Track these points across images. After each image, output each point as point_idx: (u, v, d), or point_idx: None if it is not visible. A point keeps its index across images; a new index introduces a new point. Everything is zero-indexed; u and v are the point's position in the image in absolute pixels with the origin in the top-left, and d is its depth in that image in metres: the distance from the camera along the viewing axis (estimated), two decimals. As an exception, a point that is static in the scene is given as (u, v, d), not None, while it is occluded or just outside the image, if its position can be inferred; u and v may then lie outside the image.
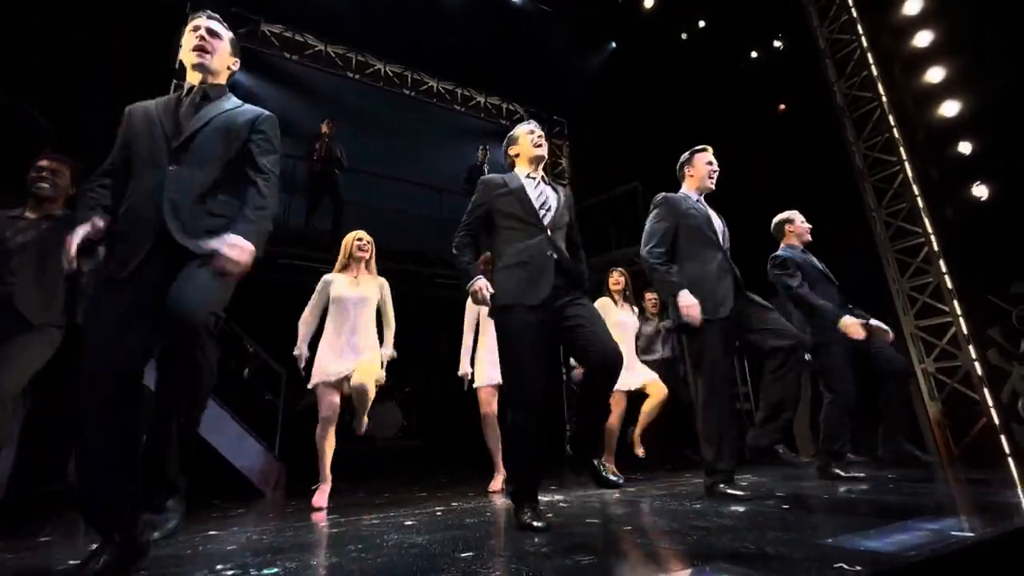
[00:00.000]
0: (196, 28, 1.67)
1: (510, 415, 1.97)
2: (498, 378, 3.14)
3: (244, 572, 1.38)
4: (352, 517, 2.38)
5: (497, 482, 3.35)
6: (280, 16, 7.11)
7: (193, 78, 1.67)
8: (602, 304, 4.01)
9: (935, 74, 5.18)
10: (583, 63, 8.53)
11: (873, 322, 3.20)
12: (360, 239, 3.28)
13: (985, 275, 4.68)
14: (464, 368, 3.56)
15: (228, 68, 1.74)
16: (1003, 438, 4.37)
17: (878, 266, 5.28)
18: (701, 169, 2.74)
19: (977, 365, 4.62)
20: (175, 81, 6.08)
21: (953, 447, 4.60)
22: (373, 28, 7.36)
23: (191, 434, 1.46)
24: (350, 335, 3.02)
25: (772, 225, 3.58)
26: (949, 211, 5.02)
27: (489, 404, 3.43)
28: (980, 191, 4.76)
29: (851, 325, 2.93)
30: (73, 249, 1.47)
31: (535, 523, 1.78)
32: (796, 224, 3.44)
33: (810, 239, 3.43)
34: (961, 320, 4.76)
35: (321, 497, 2.88)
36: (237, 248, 1.41)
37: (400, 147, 7.54)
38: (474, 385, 3.52)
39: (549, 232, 2.06)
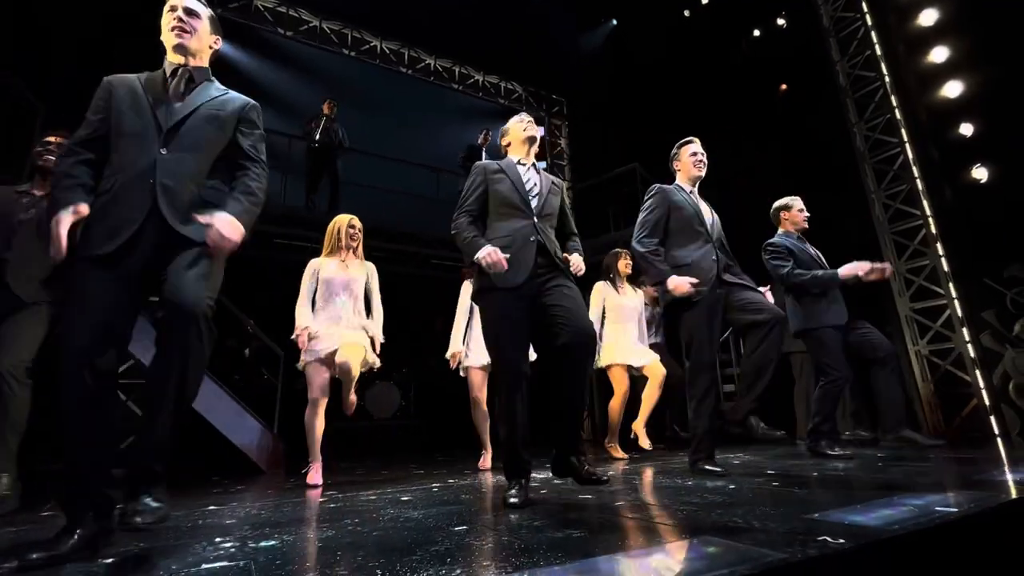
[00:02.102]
0: (173, 8, 1.63)
1: (497, 392, 2.01)
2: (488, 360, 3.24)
3: (243, 545, 1.41)
4: (350, 493, 2.42)
5: (486, 460, 3.47)
6: (274, -10, 6.96)
7: (174, 59, 1.64)
8: (599, 288, 4.04)
9: (939, 54, 5.10)
10: (583, 41, 8.39)
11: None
12: (353, 226, 3.22)
13: (981, 258, 4.69)
14: (454, 348, 3.61)
15: (210, 47, 1.71)
16: (992, 419, 4.43)
17: (876, 248, 5.28)
18: (686, 161, 2.85)
19: (970, 347, 4.65)
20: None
21: (944, 428, 4.67)
22: (369, 4, 7.21)
23: (176, 422, 1.41)
24: (337, 318, 3.01)
25: (771, 210, 3.62)
26: (948, 193, 5.00)
27: (480, 387, 3.51)
28: (980, 173, 4.73)
29: (849, 270, 3.13)
30: (63, 237, 1.42)
31: (511, 500, 1.82)
32: (792, 212, 3.50)
33: (805, 227, 3.49)
34: (956, 303, 4.79)
35: (315, 475, 2.88)
36: (228, 224, 1.43)
37: (397, 126, 7.45)
38: (465, 364, 3.57)
39: (536, 219, 2.12)
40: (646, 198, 2.82)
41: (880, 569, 1.11)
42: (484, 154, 6.89)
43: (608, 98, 8.14)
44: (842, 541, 1.10)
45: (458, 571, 1.06)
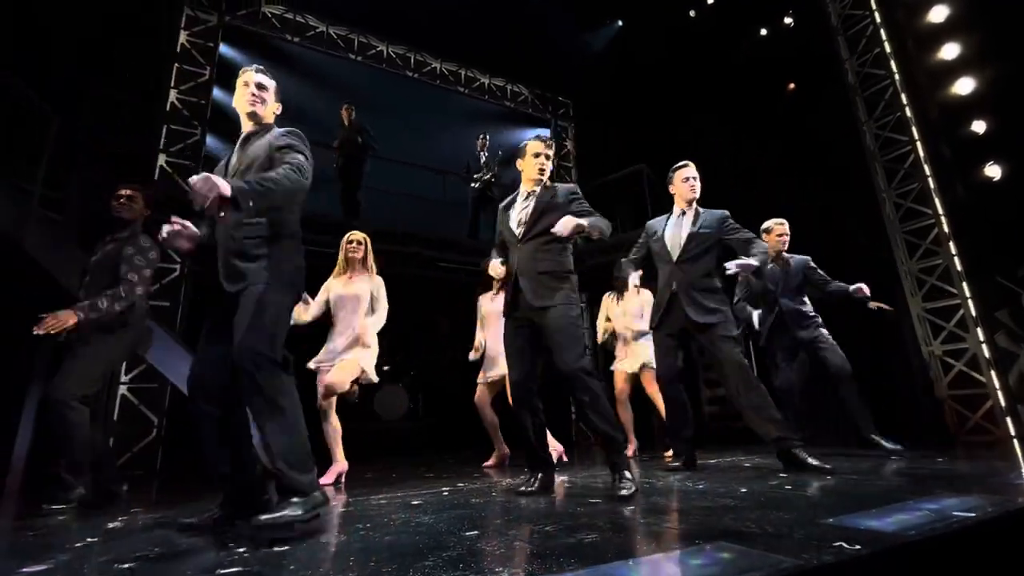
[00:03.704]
0: (247, 83, 1.93)
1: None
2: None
3: (255, 550, 1.42)
4: (360, 497, 2.43)
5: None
6: (281, -4, 7.02)
7: (246, 124, 1.96)
8: (604, 302, 4.40)
9: (950, 50, 5.04)
10: (589, 43, 8.37)
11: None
12: (351, 241, 3.40)
13: (995, 256, 4.62)
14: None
15: (274, 113, 2.01)
16: (1009, 420, 4.36)
17: (887, 248, 5.23)
18: (680, 187, 3.07)
19: (984, 347, 4.59)
20: (176, 66, 6.05)
21: (959, 429, 4.61)
22: (375, 8, 7.25)
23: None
24: (338, 334, 3.22)
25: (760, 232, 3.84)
26: (960, 191, 4.94)
27: (481, 396, 3.89)
28: (993, 171, 4.67)
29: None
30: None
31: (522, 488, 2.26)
32: (770, 235, 3.72)
33: (782, 248, 3.72)
34: (969, 302, 4.72)
35: (328, 475, 3.06)
36: (205, 181, 1.48)
37: (404, 130, 7.47)
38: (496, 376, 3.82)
39: (520, 246, 2.34)
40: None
41: (899, 575, 1.10)
42: (483, 157, 6.89)
43: (614, 99, 8.12)
44: (858, 547, 1.09)
45: (471, 577, 1.06)
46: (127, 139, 5.14)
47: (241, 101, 1.92)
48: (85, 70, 5.01)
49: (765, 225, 3.77)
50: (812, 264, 3.70)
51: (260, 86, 1.94)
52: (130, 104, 5.24)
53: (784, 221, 3.74)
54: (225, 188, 1.49)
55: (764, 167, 6.30)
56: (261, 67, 1.98)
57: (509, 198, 2.52)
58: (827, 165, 5.83)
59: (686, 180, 3.02)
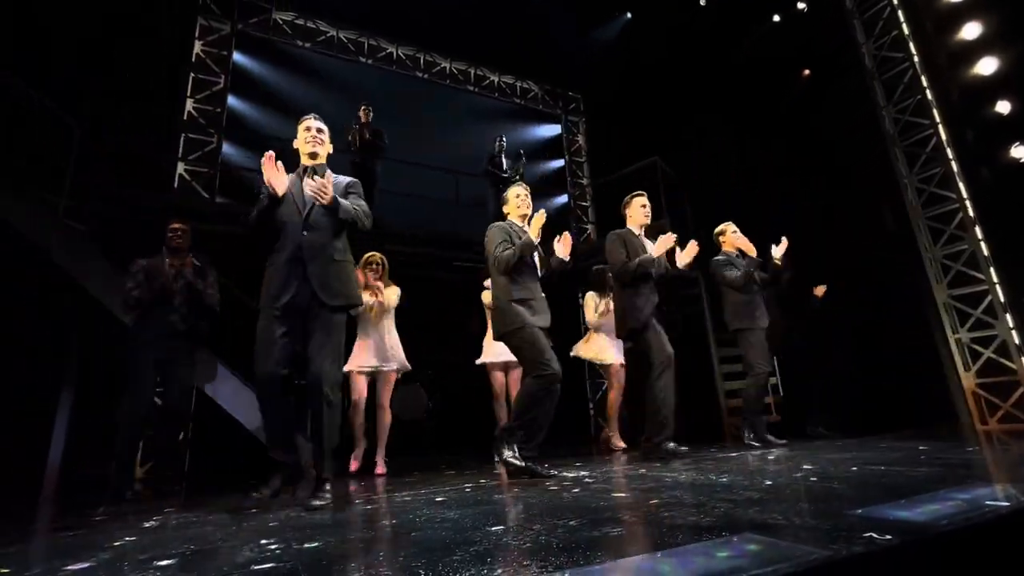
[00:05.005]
0: (308, 128, 2.36)
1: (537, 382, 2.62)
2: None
3: (287, 546, 1.45)
4: (384, 495, 2.47)
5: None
6: (292, 3, 7.10)
7: (307, 161, 2.38)
8: (587, 299, 4.66)
9: (971, 30, 4.91)
10: (597, 36, 8.31)
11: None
12: (369, 263, 3.70)
13: (1023, 240, 4.50)
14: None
15: (327, 153, 2.44)
16: (1041, 408, 4.25)
17: (910, 235, 5.12)
18: (636, 211, 3.47)
19: (1014, 334, 4.47)
20: (192, 75, 6.15)
21: (988, 418, 4.50)
22: (383, 9, 7.29)
23: (326, 453, 2.26)
24: (378, 340, 3.69)
25: (713, 235, 4.15)
26: (986, 174, 4.81)
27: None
28: (1019, 152, 4.54)
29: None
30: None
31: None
32: (727, 235, 4.01)
33: (736, 246, 4.02)
34: (997, 288, 4.60)
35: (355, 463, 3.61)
36: (326, 186, 2.16)
37: (416, 130, 7.52)
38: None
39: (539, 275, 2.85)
40: (609, 240, 3.43)
41: (931, 566, 1.08)
42: (502, 159, 6.90)
43: (624, 92, 8.06)
44: (889, 537, 1.08)
45: (499, 571, 1.08)
46: (128, 139, 5.22)
47: (303, 144, 2.34)
48: (85, 70, 5.08)
49: (719, 229, 4.08)
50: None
51: (319, 130, 2.36)
52: (131, 104, 5.30)
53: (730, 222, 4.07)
54: (330, 197, 2.16)
55: (767, 165, 6.23)
56: (319, 117, 2.39)
57: (516, 231, 2.84)
58: (831, 164, 5.77)
59: (644, 207, 3.46)
